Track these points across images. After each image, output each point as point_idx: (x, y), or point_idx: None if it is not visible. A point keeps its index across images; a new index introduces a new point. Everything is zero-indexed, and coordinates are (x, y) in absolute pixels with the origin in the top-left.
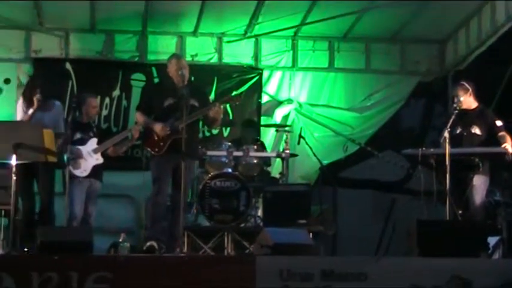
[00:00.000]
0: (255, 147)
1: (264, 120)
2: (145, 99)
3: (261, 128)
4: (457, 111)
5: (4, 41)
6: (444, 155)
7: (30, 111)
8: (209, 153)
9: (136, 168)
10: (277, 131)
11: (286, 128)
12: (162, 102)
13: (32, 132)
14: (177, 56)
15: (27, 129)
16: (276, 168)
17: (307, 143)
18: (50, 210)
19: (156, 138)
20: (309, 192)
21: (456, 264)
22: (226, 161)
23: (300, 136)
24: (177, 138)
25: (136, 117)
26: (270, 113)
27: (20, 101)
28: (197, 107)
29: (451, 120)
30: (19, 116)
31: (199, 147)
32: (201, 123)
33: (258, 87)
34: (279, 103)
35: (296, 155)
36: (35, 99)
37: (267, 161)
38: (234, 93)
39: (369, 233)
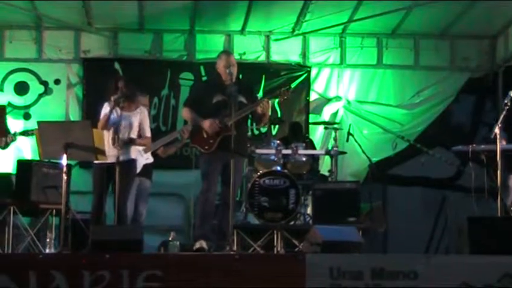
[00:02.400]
0: (304, 145)
1: (312, 118)
2: (193, 95)
3: (310, 125)
4: (508, 106)
5: (54, 41)
6: (495, 151)
7: (108, 110)
8: (258, 151)
9: (186, 167)
10: (325, 128)
11: (335, 126)
12: (210, 99)
13: (82, 132)
14: (227, 53)
15: (77, 129)
16: (325, 166)
17: (356, 141)
18: (122, 212)
19: (205, 135)
20: (358, 189)
21: (508, 262)
22: (275, 159)
23: (349, 133)
24: (226, 135)
25: (184, 113)
26: (318, 111)
27: (106, 104)
28: (245, 104)
29: (502, 116)
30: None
31: (248, 145)
32: (249, 121)
33: (306, 85)
34: (328, 100)
35: (345, 153)
36: (112, 98)
37: (315, 159)
38: (283, 89)
39: (419, 231)
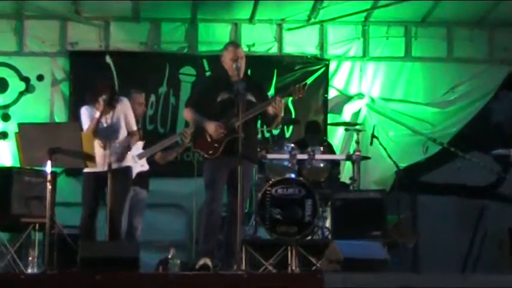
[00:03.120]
0: (322, 149)
1: (331, 118)
2: (196, 93)
3: (328, 127)
4: None
5: (37, 32)
6: None
7: (97, 114)
8: (269, 156)
9: (187, 174)
10: (346, 130)
11: (357, 127)
12: (215, 97)
13: (69, 135)
14: (234, 44)
15: (64, 131)
16: (346, 173)
17: (381, 144)
18: (115, 226)
19: (209, 139)
20: (384, 199)
21: None
22: (289, 165)
23: (373, 136)
24: (233, 138)
25: (185, 115)
26: (338, 110)
27: (84, 109)
28: (255, 102)
29: None
30: (85, 123)
31: (258, 149)
32: (259, 122)
33: (324, 81)
34: (348, 98)
35: (368, 158)
36: (100, 100)
37: (335, 165)
38: (297, 86)
39: (454, 245)
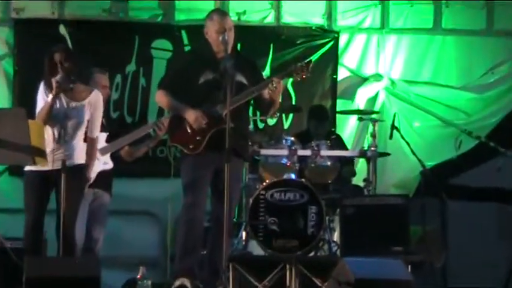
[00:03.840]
0: (329, 143)
1: (341, 104)
2: (172, 73)
3: (338, 115)
4: None
5: None
6: None
7: (50, 98)
8: (263, 152)
9: (161, 174)
10: (360, 119)
11: (374, 116)
12: (196, 78)
13: (13, 124)
14: (220, 12)
15: (7, 119)
16: (359, 173)
17: (403, 137)
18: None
19: (189, 130)
20: (407, 206)
21: None
22: (288, 163)
23: (393, 127)
24: (218, 130)
25: (159, 99)
26: (349, 95)
27: (42, 87)
28: (246, 85)
29: None
30: (39, 106)
31: (250, 143)
32: (251, 109)
33: (332, 58)
34: (363, 80)
35: (387, 154)
36: (53, 81)
37: (346, 163)
38: (300, 64)
39: (492, 261)
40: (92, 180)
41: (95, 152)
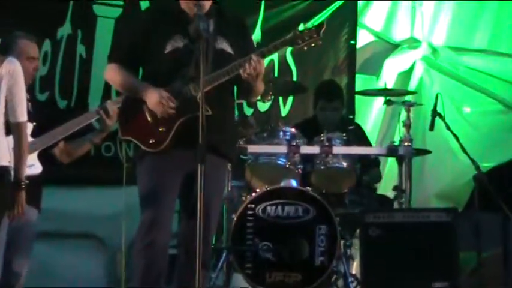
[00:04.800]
0: (344, 135)
1: (361, 82)
2: (126, 40)
3: (357, 97)
4: None
5: None
6: None
7: None
8: (252, 149)
9: (109, 181)
10: (388, 103)
11: (408, 98)
12: (160, 46)
13: None
14: None
15: None
16: (387, 179)
17: (449, 128)
18: None
19: (149, 118)
20: (455, 225)
21: None
22: (287, 164)
23: (435, 113)
24: (190, 118)
25: (110, 76)
26: (373, 68)
27: None
28: (231, 54)
29: None
30: None
31: (236, 138)
32: (236, 89)
33: (348, 17)
34: (392, 48)
35: (428, 152)
36: None
37: (368, 165)
38: (302, 27)
39: None
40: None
41: (25, 143)
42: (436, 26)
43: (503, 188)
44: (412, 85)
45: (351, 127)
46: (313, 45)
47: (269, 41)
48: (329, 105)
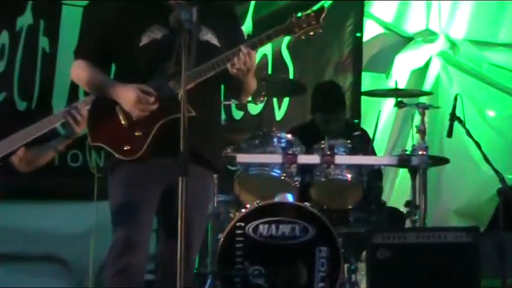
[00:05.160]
0: (349, 143)
1: (369, 81)
2: (96, 31)
3: (363, 98)
4: None
5: None
6: None
7: None
8: (242, 158)
9: (76, 196)
10: (399, 105)
11: (422, 99)
12: (135, 37)
13: None
14: None
15: None
16: (398, 193)
17: (469, 134)
18: None
19: (123, 121)
20: (476, 246)
21: None
22: (283, 175)
23: (454, 117)
24: (171, 121)
25: (77, 74)
26: (382, 65)
27: None
28: (217, 47)
29: None
30: None
31: (222, 144)
32: (223, 88)
33: (353, 7)
34: (405, 41)
35: (445, 161)
36: None
37: (376, 176)
38: (300, 13)
39: None
40: None
41: None
42: (455, 17)
43: None
44: (428, 84)
45: (356, 133)
46: (312, 33)
47: (261, 32)
48: (330, 117)
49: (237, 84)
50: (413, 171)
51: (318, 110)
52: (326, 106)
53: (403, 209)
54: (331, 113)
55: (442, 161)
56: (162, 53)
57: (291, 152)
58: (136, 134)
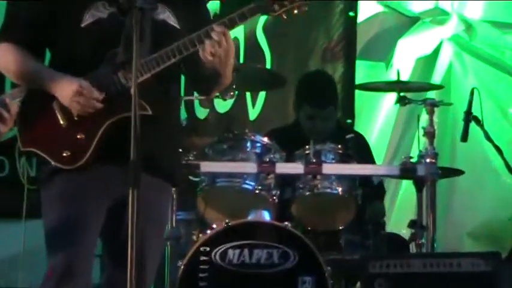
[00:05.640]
0: (340, 148)
1: (364, 72)
2: (25, 11)
3: (357, 93)
4: None
5: None
6: None
7: None
8: (206, 167)
9: (2, 213)
10: (402, 101)
11: (430, 95)
12: (75, 17)
13: None
14: None
15: None
16: (401, 210)
17: (489, 138)
18: None
19: (61, 121)
20: (497, 276)
21: None
22: (258, 188)
23: (470, 116)
24: (120, 121)
25: (2, 62)
26: (381, 52)
27: None
28: (178, 30)
29: None
30: None
31: (181, 149)
32: (183, 81)
33: None
34: (410, 21)
35: (459, 173)
36: None
37: (373, 192)
38: None
39: None
40: None
41: None
42: None
43: None
44: (437, 76)
45: (349, 136)
46: (295, 11)
47: (232, 11)
48: (319, 113)
49: (209, 76)
50: (419, 184)
51: (303, 104)
52: (312, 99)
53: (407, 231)
54: (318, 107)
55: (455, 171)
56: (108, 36)
57: (267, 160)
58: (78, 136)
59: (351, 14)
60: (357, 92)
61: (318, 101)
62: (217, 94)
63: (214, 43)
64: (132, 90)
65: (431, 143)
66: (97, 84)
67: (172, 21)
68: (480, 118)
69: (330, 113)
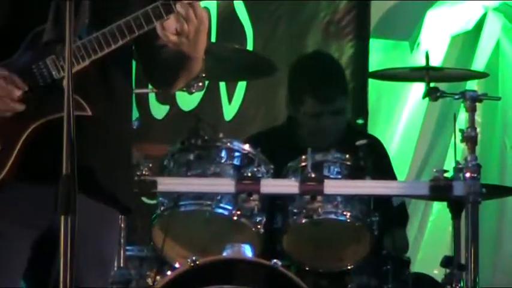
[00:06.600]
0: (348, 158)
1: (382, 55)
2: None
3: (371, 82)
4: None
5: None
6: None
7: None
8: (166, 185)
9: None
10: (433, 95)
11: (470, 85)
12: None
13: None
14: None
15: None
16: (430, 242)
17: None
18: None
19: None
20: None
21: None
22: (236, 214)
23: None
24: (49, 123)
25: None
26: (403, 28)
27: None
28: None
29: None
30: None
31: (131, 161)
32: (134, 69)
33: None
34: None
35: (511, 191)
36: None
37: (394, 217)
38: None
39: None
40: None
41: None
42: None
43: None
44: (480, 61)
45: (360, 142)
46: None
47: None
48: (324, 108)
49: (172, 62)
50: (456, 207)
51: (303, 98)
52: (318, 89)
53: (439, 271)
54: (325, 101)
55: (505, 190)
56: (33, 10)
57: (249, 175)
58: None
59: None
60: (371, 81)
61: (325, 90)
62: (195, 88)
63: (178, 17)
64: (64, 83)
65: (472, 151)
66: (19, 73)
67: None
68: None
69: (340, 104)
